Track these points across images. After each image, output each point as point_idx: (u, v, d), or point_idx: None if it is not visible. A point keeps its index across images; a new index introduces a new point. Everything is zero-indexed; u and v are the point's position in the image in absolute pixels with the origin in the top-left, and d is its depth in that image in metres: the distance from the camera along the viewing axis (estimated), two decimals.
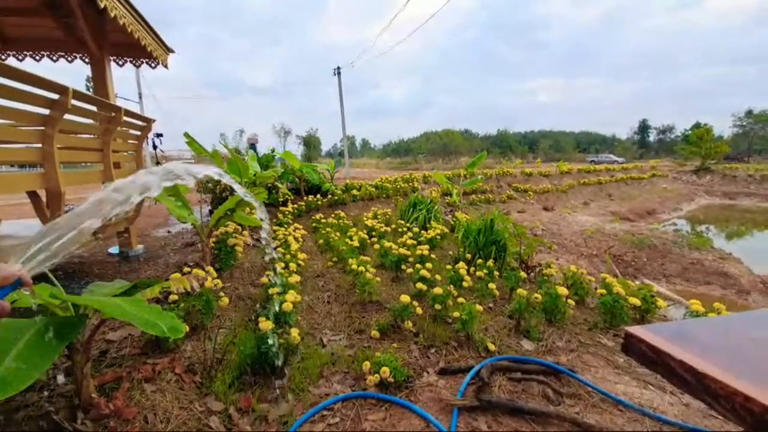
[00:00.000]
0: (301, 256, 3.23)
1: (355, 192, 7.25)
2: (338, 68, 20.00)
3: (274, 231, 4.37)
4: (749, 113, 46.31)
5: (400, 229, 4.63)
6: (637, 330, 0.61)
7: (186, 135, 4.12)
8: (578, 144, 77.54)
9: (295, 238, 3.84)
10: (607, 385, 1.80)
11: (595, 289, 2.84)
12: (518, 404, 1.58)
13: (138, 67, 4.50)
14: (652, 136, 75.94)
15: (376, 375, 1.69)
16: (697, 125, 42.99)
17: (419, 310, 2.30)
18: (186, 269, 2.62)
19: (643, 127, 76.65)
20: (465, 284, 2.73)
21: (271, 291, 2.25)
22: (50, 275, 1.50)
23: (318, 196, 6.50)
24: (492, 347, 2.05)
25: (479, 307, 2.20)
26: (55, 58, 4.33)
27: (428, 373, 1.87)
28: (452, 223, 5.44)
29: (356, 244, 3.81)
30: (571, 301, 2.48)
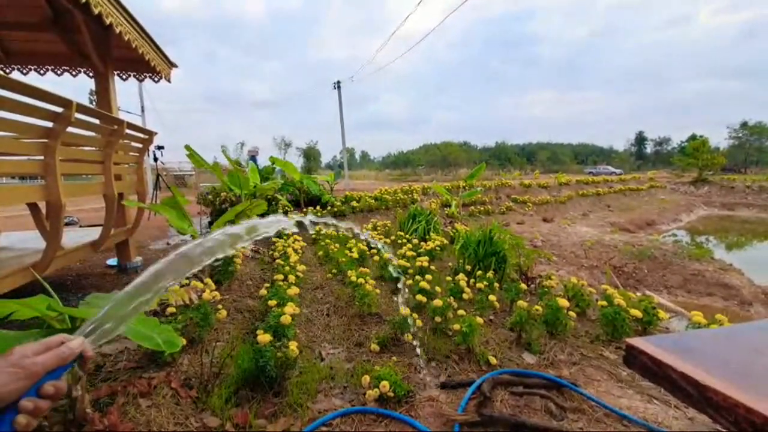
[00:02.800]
0: (301, 267, 3.21)
1: (354, 203, 7.26)
2: (338, 82, 20.34)
3: (273, 242, 4.37)
4: (744, 125, 46.96)
5: (399, 241, 4.63)
6: (638, 342, 0.61)
7: (187, 147, 4.16)
8: (576, 156, 78.45)
9: (295, 250, 3.84)
10: (610, 399, 1.77)
11: (596, 300, 2.83)
12: (520, 419, 1.55)
13: (141, 81, 4.56)
14: (649, 148, 76.86)
15: (376, 389, 1.66)
16: (692, 137, 43.45)
17: (419, 323, 2.28)
18: (184, 281, 2.61)
19: (640, 139, 77.61)
20: (465, 296, 2.71)
21: (270, 303, 2.23)
22: (47, 287, 1.50)
23: (317, 207, 6.52)
24: (493, 360, 2.02)
25: (480, 320, 2.18)
26: (59, 72, 4.40)
27: (429, 387, 1.84)
28: (452, 234, 5.44)
29: (355, 255, 3.80)
30: (572, 313, 2.46)
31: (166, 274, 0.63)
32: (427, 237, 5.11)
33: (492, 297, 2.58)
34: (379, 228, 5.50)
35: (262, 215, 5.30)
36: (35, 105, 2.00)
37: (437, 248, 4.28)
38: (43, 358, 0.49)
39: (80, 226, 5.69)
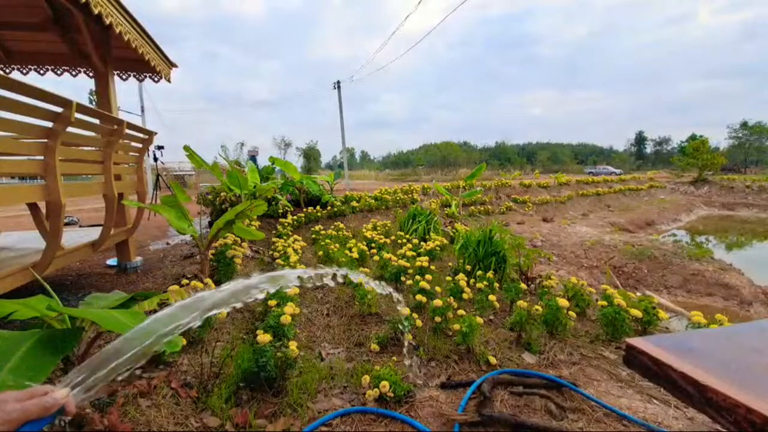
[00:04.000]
0: (301, 267, 3.21)
1: (354, 203, 7.26)
2: (338, 82, 20.31)
3: (274, 242, 4.36)
4: (744, 125, 46.95)
5: (399, 241, 4.63)
6: (638, 342, 0.61)
7: (186, 148, 4.14)
8: (576, 156, 78.53)
9: (295, 250, 3.83)
10: (610, 399, 1.77)
11: (596, 300, 2.83)
12: (520, 419, 1.56)
13: (141, 81, 4.56)
14: (649, 148, 76.86)
15: (376, 389, 1.66)
16: (692, 137, 43.47)
17: (419, 323, 2.28)
18: (184, 281, 2.61)
19: (640, 139, 77.61)
20: (465, 296, 2.71)
21: (270, 303, 2.23)
22: (47, 287, 1.50)
23: (317, 207, 6.52)
24: (493, 360, 2.02)
25: (480, 320, 2.18)
26: (59, 72, 4.39)
27: (429, 387, 1.84)
28: (452, 234, 5.44)
29: (355, 255, 3.80)
30: (572, 313, 2.46)
31: (160, 328, 0.62)
32: (427, 237, 5.11)
33: (492, 297, 2.58)
34: (379, 228, 5.49)
35: (262, 215, 5.29)
36: (35, 105, 2.00)
37: (437, 248, 4.28)
38: (24, 406, 0.47)
39: (80, 226, 5.69)
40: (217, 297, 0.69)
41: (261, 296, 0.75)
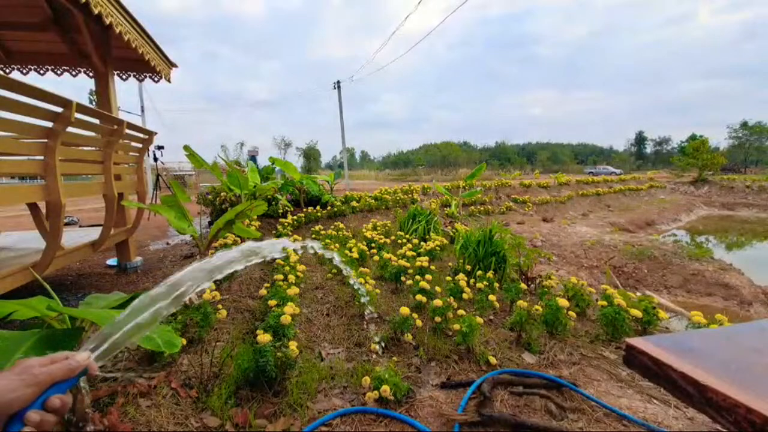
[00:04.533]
0: (300, 267, 3.21)
1: (354, 203, 7.26)
2: (338, 82, 20.31)
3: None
4: (744, 125, 46.98)
5: (399, 241, 4.62)
6: (638, 342, 0.61)
7: (186, 148, 4.15)
8: (576, 156, 78.63)
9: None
10: (610, 399, 1.77)
11: (596, 300, 2.83)
12: (520, 419, 1.56)
13: (141, 81, 4.56)
14: (649, 148, 76.91)
15: (376, 391, 1.66)
16: (692, 137, 43.52)
17: (419, 323, 2.28)
18: None
19: (640, 139, 77.67)
20: (465, 296, 2.71)
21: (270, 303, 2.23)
22: (47, 287, 1.50)
23: (317, 207, 6.52)
24: (493, 360, 2.02)
25: (480, 320, 2.18)
26: (59, 72, 4.40)
27: (429, 387, 1.85)
28: (452, 234, 5.44)
29: (356, 255, 3.80)
30: (572, 313, 2.46)
31: (182, 284, 0.65)
32: (427, 237, 5.11)
33: (492, 297, 2.58)
34: (379, 228, 5.49)
35: (262, 215, 5.29)
36: (35, 105, 2.00)
37: (437, 248, 4.28)
38: (50, 369, 0.49)
39: (80, 226, 5.69)
40: (202, 268, 0.72)
41: (240, 267, 0.79)
